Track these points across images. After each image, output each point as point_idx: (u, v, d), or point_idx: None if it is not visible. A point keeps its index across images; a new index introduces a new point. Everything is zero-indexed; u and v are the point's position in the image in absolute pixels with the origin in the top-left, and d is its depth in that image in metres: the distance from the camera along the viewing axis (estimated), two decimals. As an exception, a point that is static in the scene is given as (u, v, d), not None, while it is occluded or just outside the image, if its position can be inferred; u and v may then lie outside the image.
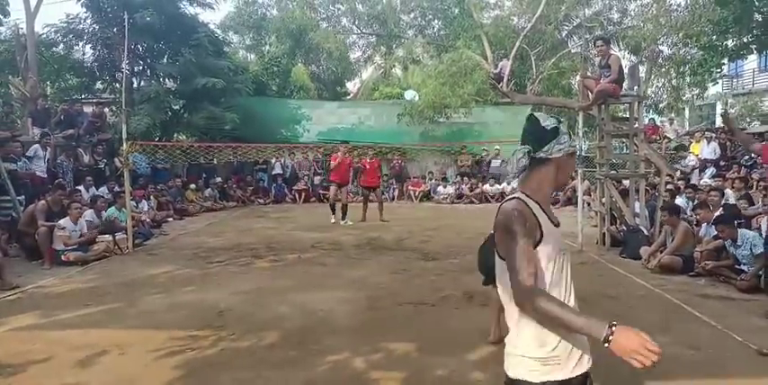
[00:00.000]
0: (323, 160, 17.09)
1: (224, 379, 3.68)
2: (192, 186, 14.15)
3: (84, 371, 3.81)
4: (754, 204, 8.31)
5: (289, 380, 3.65)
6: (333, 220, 11.32)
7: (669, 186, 9.43)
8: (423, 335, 4.45)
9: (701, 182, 11.19)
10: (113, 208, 9.27)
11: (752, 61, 21.62)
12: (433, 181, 17.10)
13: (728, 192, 9.05)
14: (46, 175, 10.04)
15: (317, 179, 16.96)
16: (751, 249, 5.97)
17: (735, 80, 24.77)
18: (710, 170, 12.10)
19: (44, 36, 14.95)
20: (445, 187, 16.56)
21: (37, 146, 10.04)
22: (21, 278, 6.58)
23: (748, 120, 21.12)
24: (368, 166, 11.83)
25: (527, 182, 1.83)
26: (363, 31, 21.71)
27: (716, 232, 6.52)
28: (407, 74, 24.11)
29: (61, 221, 7.68)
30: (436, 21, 20.53)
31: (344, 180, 11.80)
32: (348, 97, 24.99)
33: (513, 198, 1.78)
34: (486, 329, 4.22)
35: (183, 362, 3.93)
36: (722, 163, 12.52)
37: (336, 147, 12.67)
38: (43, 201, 8.01)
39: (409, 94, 18.26)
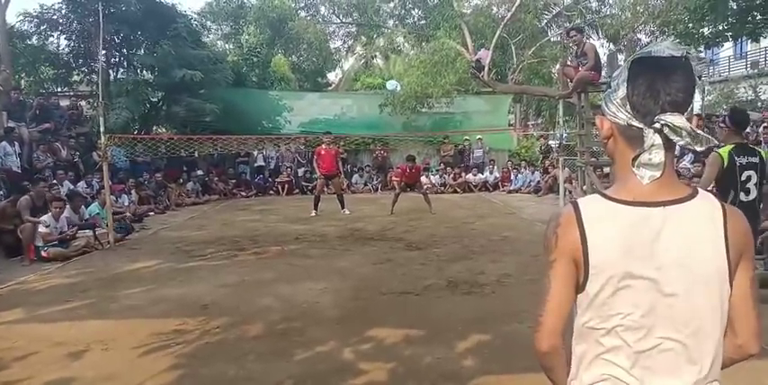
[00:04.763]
0: (306, 152, 17.00)
1: (208, 372, 3.68)
2: (175, 183, 13.97)
3: (68, 367, 3.78)
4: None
5: (273, 372, 3.66)
6: (312, 214, 11.25)
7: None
8: (408, 325, 4.48)
9: (680, 166, 11.35)
10: (95, 205, 9.16)
11: (728, 49, 21.94)
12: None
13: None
14: (20, 170, 9.84)
15: (300, 171, 16.88)
16: None
17: (711, 67, 25.09)
18: (690, 155, 12.26)
19: (17, 26, 14.61)
20: (428, 177, 16.60)
21: (4, 143, 9.81)
22: (0, 275, 6.48)
23: (725, 107, 21.45)
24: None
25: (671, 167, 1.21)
26: (343, 20, 21.54)
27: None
28: (389, 64, 24.02)
29: (44, 217, 7.59)
30: (416, 10, 20.42)
31: (331, 171, 11.53)
32: (329, 88, 24.83)
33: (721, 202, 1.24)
34: (470, 318, 4.24)
35: (167, 357, 3.92)
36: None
37: (321, 138, 12.40)
38: (26, 196, 7.87)
39: (391, 85, 18.23)
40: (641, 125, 1.16)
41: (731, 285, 1.20)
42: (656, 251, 1.16)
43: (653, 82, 1.15)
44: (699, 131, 1.13)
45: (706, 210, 1.20)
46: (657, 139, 1.14)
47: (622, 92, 1.19)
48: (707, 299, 1.18)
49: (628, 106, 1.18)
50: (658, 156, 1.15)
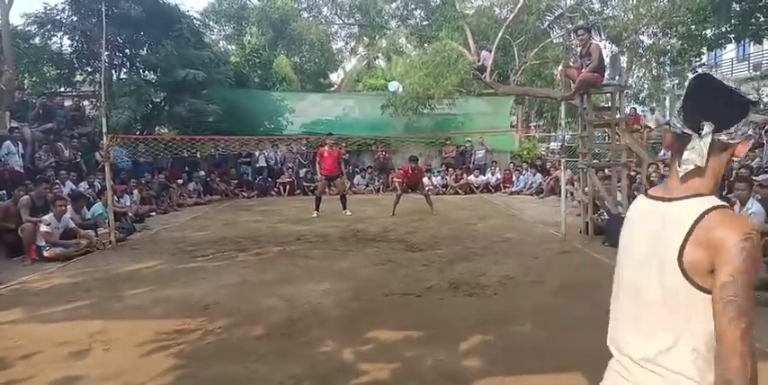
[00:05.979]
0: (307, 152, 17.00)
1: (210, 372, 3.68)
2: (179, 181, 13.98)
3: (71, 366, 3.78)
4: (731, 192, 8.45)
5: (275, 372, 3.66)
6: (314, 215, 11.26)
7: (654, 175, 9.53)
8: (410, 326, 4.48)
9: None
10: (98, 205, 9.16)
11: (730, 50, 21.90)
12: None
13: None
14: (23, 170, 9.86)
15: (301, 171, 16.89)
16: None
17: (714, 69, 25.06)
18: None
19: (20, 27, 14.65)
20: (429, 178, 16.60)
21: (8, 142, 9.83)
22: (2, 274, 6.49)
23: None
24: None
25: (691, 176, 1.34)
26: (345, 21, 21.58)
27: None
28: (391, 65, 24.03)
29: (45, 217, 7.59)
30: (418, 11, 20.46)
31: (333, 173, 11.56)
32: (331, 89, 24.85)
33: (719, 206, 1.30)
34: (472, 319, 4.24)
35: (169, 357, 3.92)
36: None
37: (323, 139, 12.42)
38: (27, 196, 7.86)
39: (393, 86, 18.23)
40: (690, 132, 1.32)
41: (697, 280, 1.28)
42: (636, 236, 1.44)
43: (702, 98, 1.34)
44: (705, 152, 1.31)
45: (688, 210, 1.32)
46: (704, 141, 1.32)
47: (679, 104, 1.38)
48: (661, 286, 1.33)
49: (681, 116, 1.35)
50: (703, 150, 1.30)
